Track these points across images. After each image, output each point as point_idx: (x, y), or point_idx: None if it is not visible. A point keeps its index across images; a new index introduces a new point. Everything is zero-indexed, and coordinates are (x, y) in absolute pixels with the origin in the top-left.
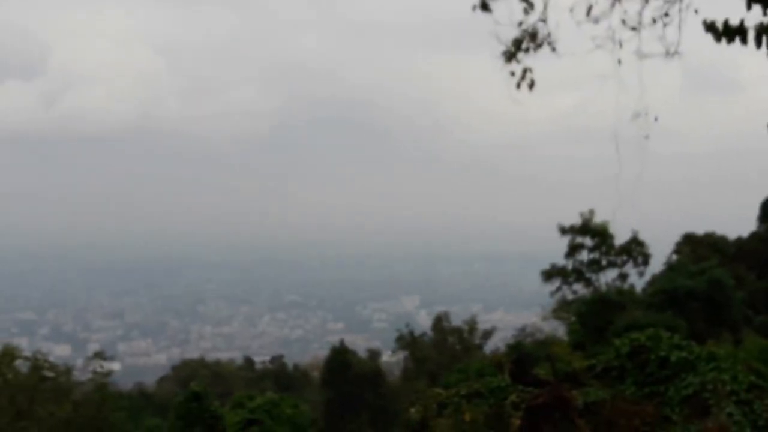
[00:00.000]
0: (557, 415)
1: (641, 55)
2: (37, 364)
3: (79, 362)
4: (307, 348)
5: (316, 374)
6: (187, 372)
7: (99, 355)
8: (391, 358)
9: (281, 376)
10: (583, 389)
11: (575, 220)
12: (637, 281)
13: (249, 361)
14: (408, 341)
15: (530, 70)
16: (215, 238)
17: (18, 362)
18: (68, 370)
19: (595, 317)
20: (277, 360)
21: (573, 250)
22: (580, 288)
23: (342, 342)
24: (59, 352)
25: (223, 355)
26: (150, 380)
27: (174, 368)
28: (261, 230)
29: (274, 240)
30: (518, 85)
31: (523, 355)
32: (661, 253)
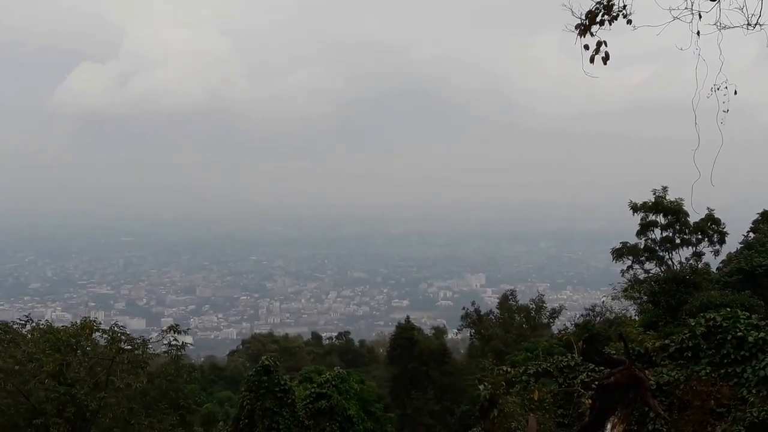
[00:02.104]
0: (630, 394)
1: (722, 27)
2: (115, 337)
3: (154, 335)
4: (372, 325)
5: (381, 350)
6: (257, 346)
7: (173, 329)
8: (456, 336)
9: (347, 352)
10: (656, 369)
11: (647, 198)
12: (713, 260)
13: (316, 337)
14: (474, 319)
15: (605, 43)
16: (283, 217)
17: (96, 335)
18: (144, 343)
19: (669, 296)
20: (343, 336)
21: (645, 228)
22: (652, 267)
23: (408, 319)
24: (134, 325)
25: (291, 331)
26: (220, 354)
27: (244, 342)
28: (327, 209)
29: (340, 218)
30: (592, 59)
31: (594, 334)
32: (737, 231)
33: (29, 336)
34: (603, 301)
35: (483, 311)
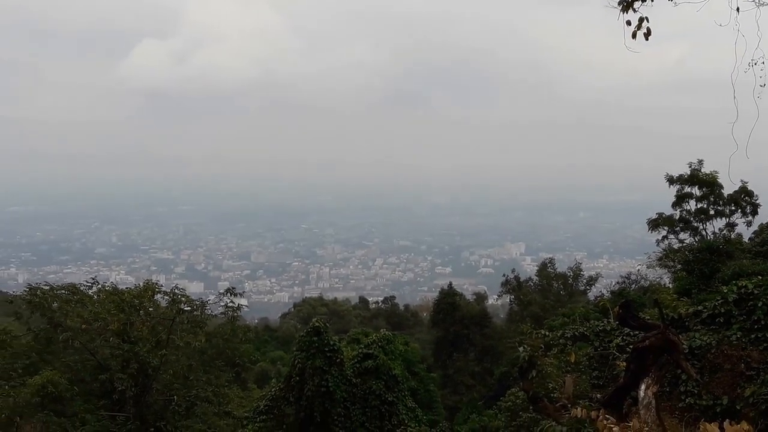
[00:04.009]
0: (664, 357)
1: (761, 3)
2: (175, 299)
3: (211, 298)
4: (416, 290)
5: (425, 315)
6: (307, 309)
7: (230, 292)
8: (496, 302)
9: (393, 316)
10: (688, 334)
11: (683, 170)
12: (745, 231)
13: (363, 301)
14: (513, 286)
15: (646, 19)
16: (333, 188)
17: (158, 296)
18: (202, 305)
19: (702, 265)
20: (389, 300)
21: (680, 199)
22: (686, 237)
23: (450, 285)
24: (193, 288)
25: (340, 295)
26: (273, 316)
27: (295, 305)
28: (375, 179)
29: (387, 188)
30: (634, 35)
31: (630, 300)
32: None
33: (95, 297)
34: (638, 270)
35: (522, 278)
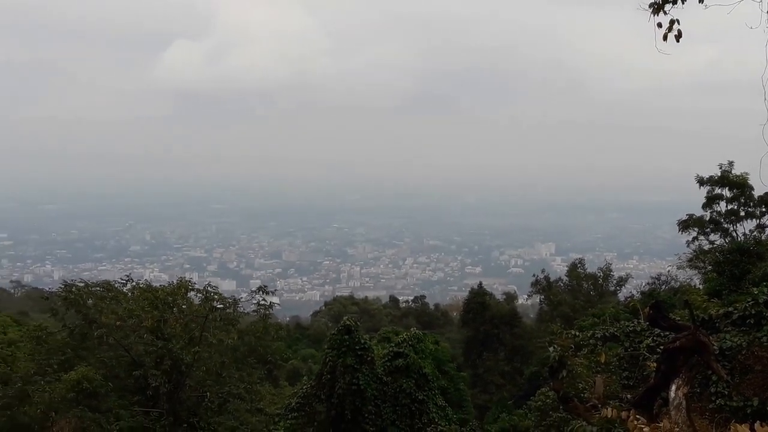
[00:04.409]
0: (694, 358)
1: None
2: (208, 296)
3: (244, 295)
4: (446, 290)
5: (455, 314)
6: (338, 308)
7: (262, 290)
8: (526, 302)
9: (423, 315)
10: (719, 335)
11: (713, 172)
12: None
13: (394, 300)
14: (543, 286)
15: (677, 21)
16: (363, 187)
17: (191, 294)
18: (235, 302)
19: (733, 266)
20: (419, 299)
21: (711, 201)
22: (716, 238)
23: (480, 284)
24: (225, 286)
25: (370, 294)
26: (304, 314)
27: (326, 304)
28: (404, 179)
29: (416, 188)
30: (665, 37)
31: (660, 301)
32: None
33: (129, 294)
34: (668, 271)
35: (552, 278)
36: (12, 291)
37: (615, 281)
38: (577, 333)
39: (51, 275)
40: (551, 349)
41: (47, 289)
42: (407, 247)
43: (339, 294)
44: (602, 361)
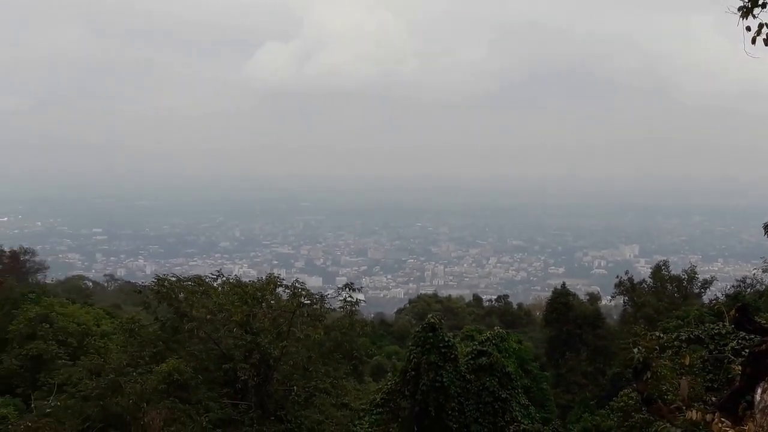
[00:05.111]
0: None
1: None
2: (296, 292)
3: (330, 292)
4: (529, 289)
5: (538, 314)
6: (422, 305)
7: (348, 287)
8: (609, 303)
9: (506, 314)
10: None
11: None
12: None
13: (477, 299)
14: (627, 287)
15: (767, 25)
16: (447, 188)
17: (279, 290)
18: (322, 299)
19: None
20: (502, 299)
21: None
22: None
23: (563, 285)
24: (312, 282)
25: (454, 292)
26: (389, 311)
27: (410, 302)
28: (489, 180)
29: (500, 188)
30: (753, 41)
31: (746, 303)
32: None
33: (220, 289)
34: (754, 274)
35: (636, 280)
36: (105, 284)
37: (699, 284)
38: (661, 335)
39: (143, 269)
40: (635, 350)
41: (140, 283)
42: (490, 247)
43: (423, 292)
44: (686, 364)
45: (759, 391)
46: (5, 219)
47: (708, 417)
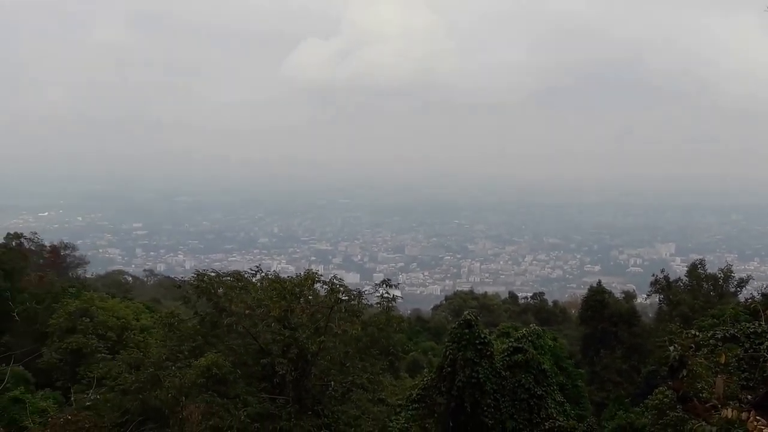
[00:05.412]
0: None
1: None
2: (334, 288)
3: (367, 288)
4: (565, 287)
5: (573, 311)
6: (458, 302)
7: (386, 283)
8: (645, 301)
9: (541, 311)
10: None
11: None
12: None
13: (513, 296)
14: (662, 285)
15: None
16: (485, 184)
17: (317, 285)
18: (359, 294)
19: None
20: (538, 296)
21: None
22: None
23: (599, 283)
24: (349, 278)
25: (490, 289)
26: (425, 308)
27: (447, 298)
28: (525, 178)
29: (537, 187)
30: None
31: None
32: None
33: (258, 284)
34: None
35: (672, 278)
36: (145, 279)
37: (735, 282)
38: (697, 333)
39: (183, 265)
40: (672, 348)
41: (179, 278)
42: (526, 245)
43: (459, 289)
44: (722, 362)
45: None
46: (46, 214)
47: (743, 415)
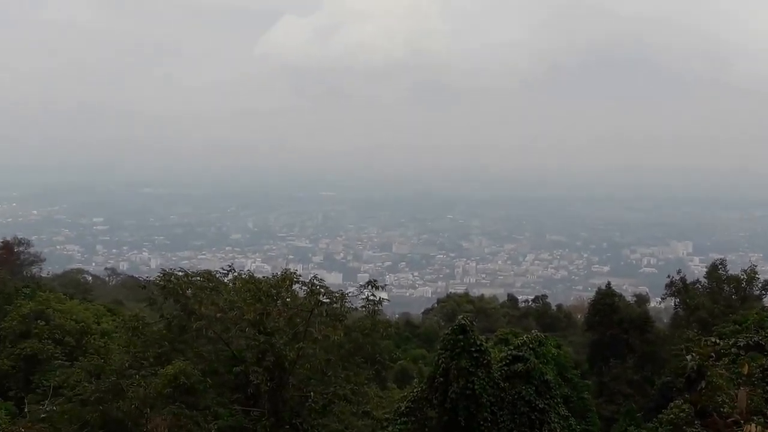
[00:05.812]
0: None
1: None
2: (314, 289)
3: (351, 289)
4: (570, 289)
5: (579, 316)
6: (451, 306)
7: (371, 284)
8: (659, 305)
9: (544, 316)
10: None
11: None
12: None
13: (512, 299)
14: (679, 288)
15: None
16: (482, 176)
17: (295, 286)
18: (342, 296)
19: None
20: (540, 299)
21: None
22: None
23: (608, 284)
24: (331, 279)
25: (487, 291)
26: (415, 311)
27: (439, 301)
28: (526, 168)
29: (538, 178)
30: None
31: None
32: None
33: (231, 285)
34: None
35: (689, 280)
36: (107, 279)
37: (760, 285)
38: (717, 340)
39: (148, 263)
40: (689, 357)
41: (144, 277)
42: (527, 242)
43: (453, 291)
44: (745, 373)
45: None
46: None
47: None
